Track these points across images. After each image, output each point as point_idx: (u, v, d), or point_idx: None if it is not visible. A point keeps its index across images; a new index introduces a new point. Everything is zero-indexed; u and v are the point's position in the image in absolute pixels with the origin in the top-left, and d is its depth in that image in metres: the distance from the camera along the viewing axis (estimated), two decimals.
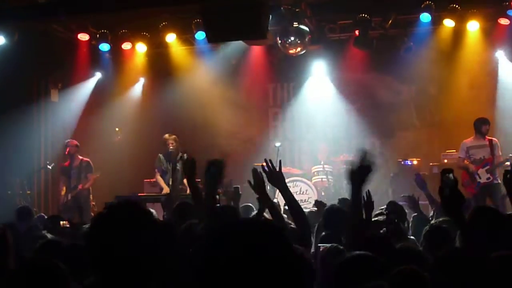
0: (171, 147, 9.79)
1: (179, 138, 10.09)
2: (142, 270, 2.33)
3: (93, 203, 10.59)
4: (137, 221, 2.37)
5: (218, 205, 4.87)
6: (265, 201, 4.21)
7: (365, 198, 4.67)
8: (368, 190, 4.66)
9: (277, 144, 11.22)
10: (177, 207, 6.08)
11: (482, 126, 9.55)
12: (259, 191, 4.28)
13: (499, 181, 9.27)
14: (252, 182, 4.25)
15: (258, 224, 1.81)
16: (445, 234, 4.32)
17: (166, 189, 9.72)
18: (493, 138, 9.60)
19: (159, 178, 10.02)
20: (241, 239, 1.72)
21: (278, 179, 3.96)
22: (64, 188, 10.57)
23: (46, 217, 8.11)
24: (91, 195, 10.68)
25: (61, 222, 5.98)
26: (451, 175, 3.19)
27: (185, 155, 9.53)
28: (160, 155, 10.05)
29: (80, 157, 10.63)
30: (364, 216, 4.91)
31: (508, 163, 9.31)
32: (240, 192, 6.42)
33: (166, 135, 9.98)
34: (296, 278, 1.73)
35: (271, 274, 1.68)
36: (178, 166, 9.55)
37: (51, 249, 4.09)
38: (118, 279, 2.31)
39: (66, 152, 10.54)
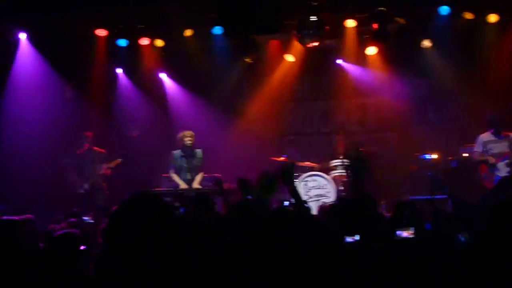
0: (188, 142, 9.79)
1: (195, 133, 10.08)
2: (161, 262, 2.32)
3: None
4: (159, 214, 2.35)
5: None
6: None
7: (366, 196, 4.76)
8: (364, 192, 4.76)
9: (290, 137, 11.51)
10: (195, 199, 6.08)
11: (497, 126, 9.38)
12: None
13: None
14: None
15: None
16: None
17: (183, 185, 9.68)
18: (511, 133, 9.45)
19: (173, 175, 9.93)
20: None
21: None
22: (77, 177, 10.53)
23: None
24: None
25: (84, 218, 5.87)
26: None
27: (200, 150, 9.66)
28: (174, 152, 9.90)
29: (96, 148, 10.67)
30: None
31: None
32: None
33: (185, 132, 9.96)
34: None
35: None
36: (194, 162, 9.72)
37: None
38: (135, 271, 2.29)
39: (85, 147, 10.53)
